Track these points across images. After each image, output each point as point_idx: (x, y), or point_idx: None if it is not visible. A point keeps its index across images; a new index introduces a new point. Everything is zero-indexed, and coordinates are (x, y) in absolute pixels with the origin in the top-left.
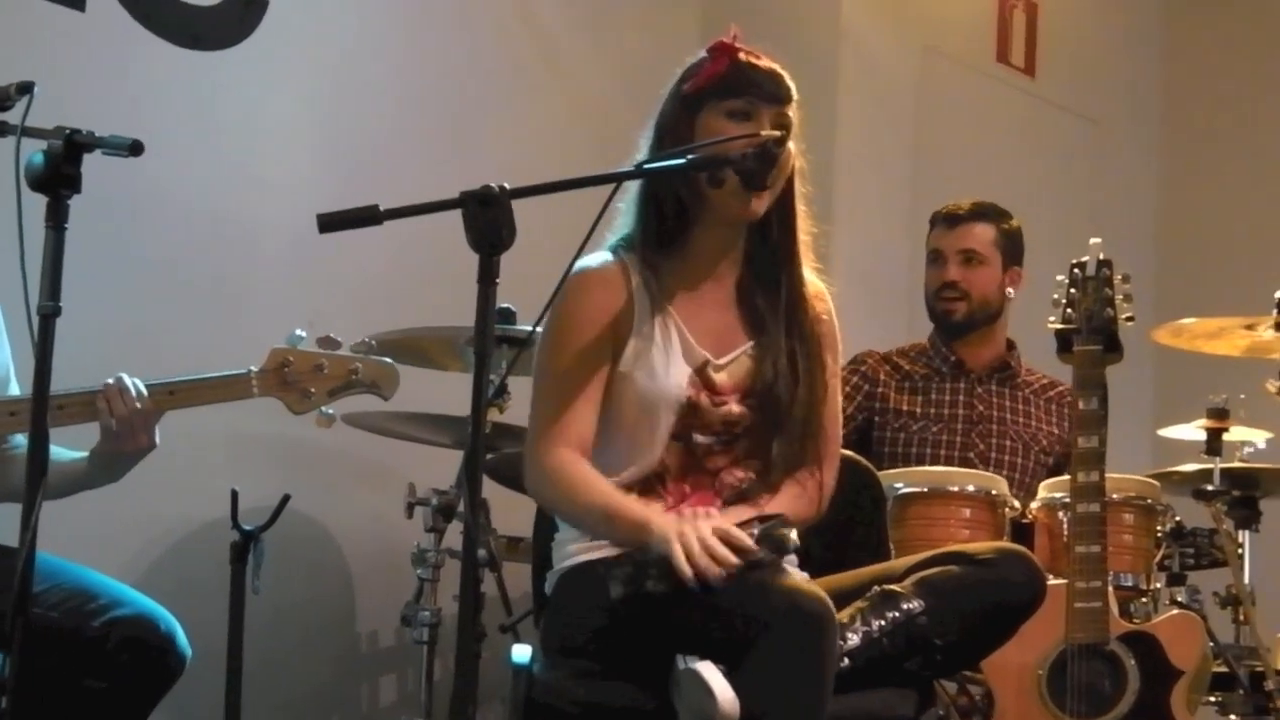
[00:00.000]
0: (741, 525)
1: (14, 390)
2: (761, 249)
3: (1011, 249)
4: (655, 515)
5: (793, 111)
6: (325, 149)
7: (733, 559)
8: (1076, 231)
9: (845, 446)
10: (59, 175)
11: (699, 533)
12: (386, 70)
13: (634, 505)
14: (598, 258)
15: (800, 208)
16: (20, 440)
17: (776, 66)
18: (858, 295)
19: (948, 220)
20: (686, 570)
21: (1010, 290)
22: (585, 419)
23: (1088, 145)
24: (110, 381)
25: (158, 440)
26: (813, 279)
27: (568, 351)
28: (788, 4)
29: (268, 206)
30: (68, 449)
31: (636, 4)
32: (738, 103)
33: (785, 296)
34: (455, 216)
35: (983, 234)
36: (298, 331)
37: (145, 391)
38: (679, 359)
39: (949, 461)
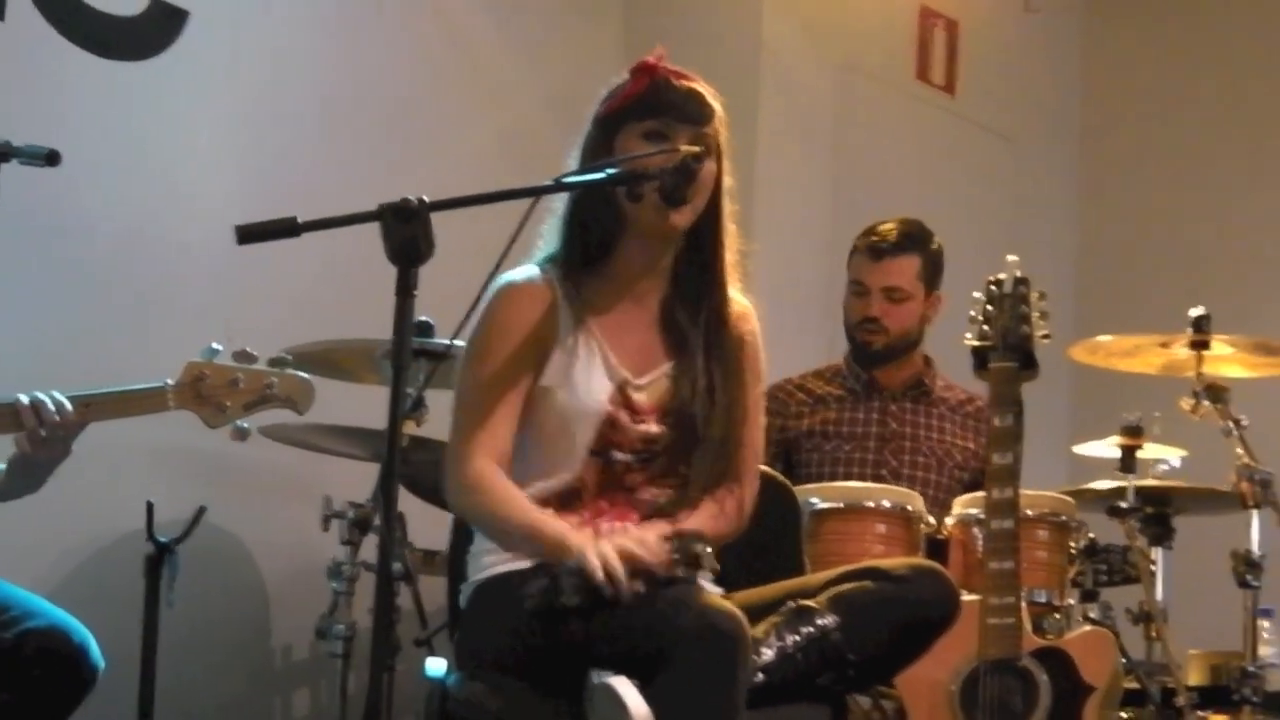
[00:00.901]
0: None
1: None
2: (689, 268)
3: (933, 276)
4: (574, 533)
5: (717, 130)
6: (247, 162)
7: (648, 566)
8: (996, 249)
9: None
10: None
11: (616, 544)
12: (310, 85)
13: (551, 523)
14: (524, 271)
15: (729, 226)
16: None
17: (697, 86)
18: (776, 312)
19: (872, 253)
20: (599, 575)
21: (930, 315)
22: (506, 432)
23: (1007, 164)
24: (24, 400)
25: (73, 448)
26: (740, 299)
27: (491, 363)
28: (708, 22)
29: (188, 219)
30: None
31: (560, 24)
32: (653, 123)
33: (707, 317)
34: (376, 230)
35: (908, 268)
36: (213, 345)
37: (68, 405)
38: (600, 376)
39: (862, 479)
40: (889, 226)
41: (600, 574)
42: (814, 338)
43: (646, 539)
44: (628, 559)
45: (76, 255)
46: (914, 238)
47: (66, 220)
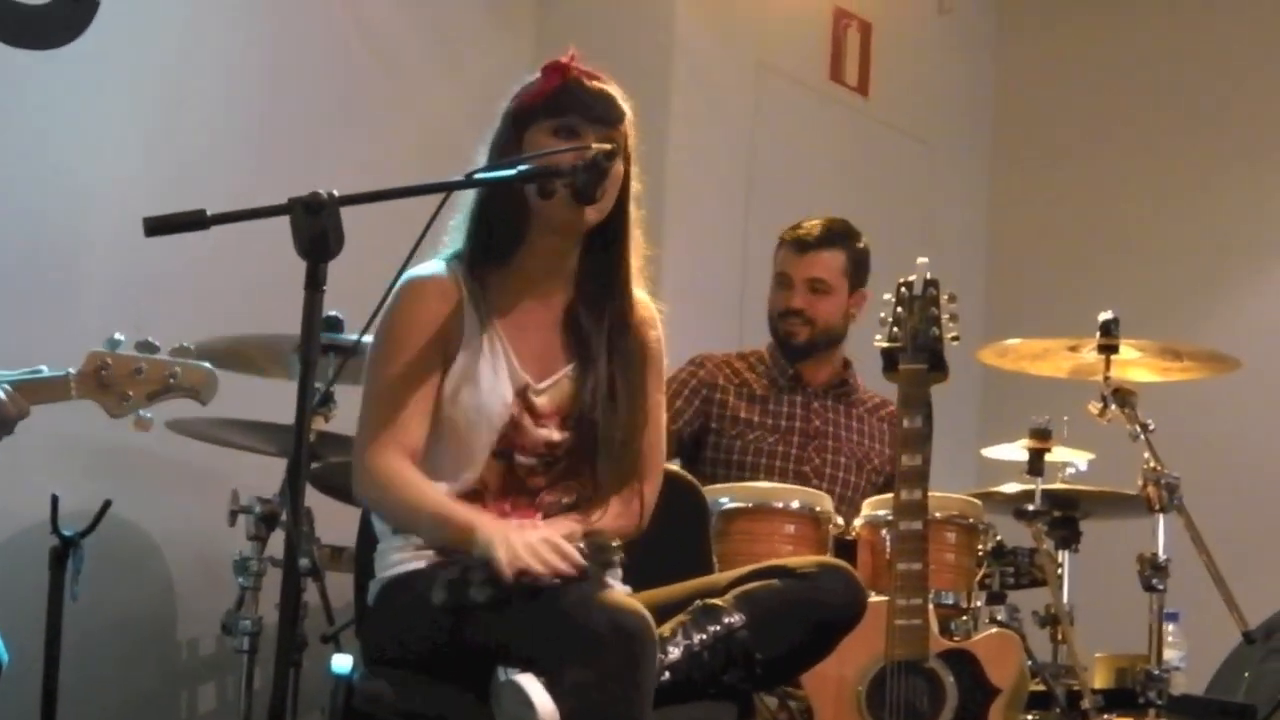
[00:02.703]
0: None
1: None
2: (593, 271)
3: (858, 273)
4: (482, 520)
5: (626, 133)
6: (154, 153)
7: (558, 563)
8: (908, 251)
9: (679, 450)
10: None
11: (525, 538)
12: (217, 77)
13: (461, 509)
14: (430, 267)
15: (635, 231)
16: None
17: (609, 88)
18: (687, 312)
19: (797, 246)
20: (507, 571)
21: (854, 312)
22: (415, 426)
23: (920, 166)
24: None
25: (36, 433)
26: (646, 302)
27: (399, 357)
28: (621, 20)
29: (95, 211)
30: None
31: (473, 21)
32: (565, 120)
33: (611, 321)
34: (285, 223)
35: (832, 262)
36: (116, 335)
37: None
38: (504, 377)
39: (783, 474)
40: (815, 222)
41: (508, 573)
42: (724, 336)
43: (559, 543)
44: (543, 547)
45: None
46: (840, 234)
47: None
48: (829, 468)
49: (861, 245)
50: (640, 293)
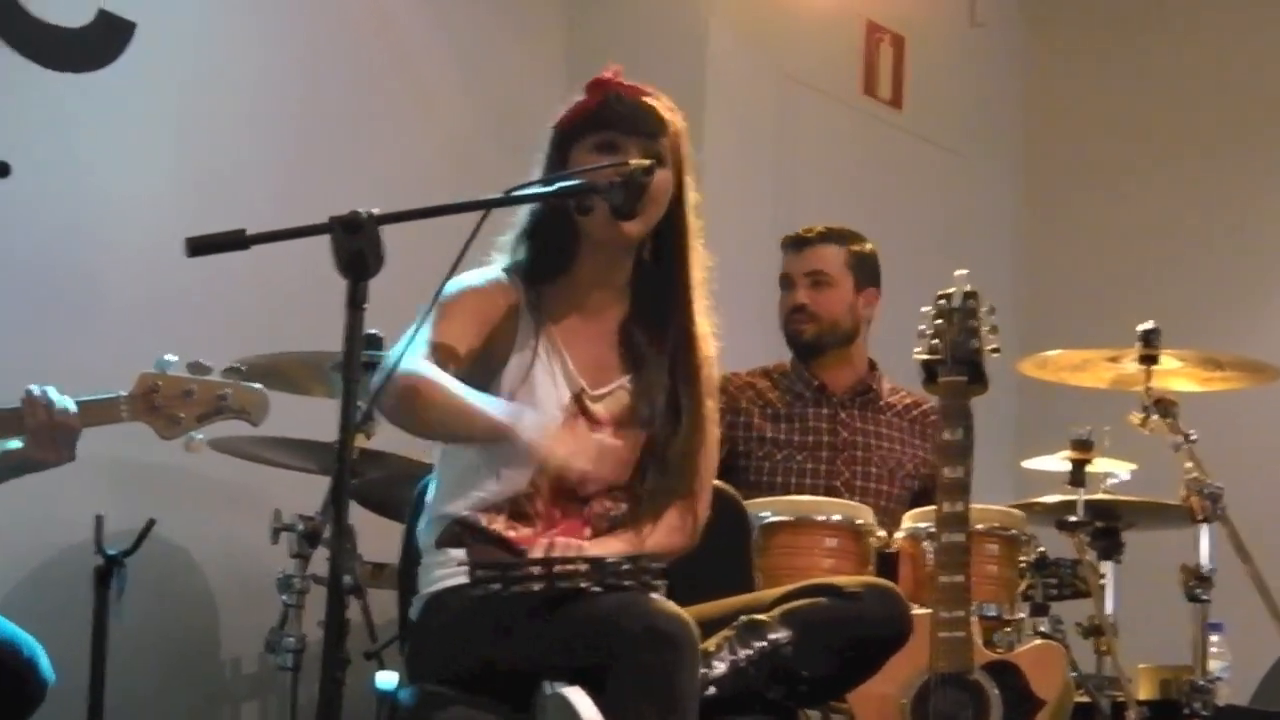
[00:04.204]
0: (615, 560)
1: None
2: (649, 284)
3: (864, 270)
4: (507, 414)
5: (674, 144)
6: (187, 172)
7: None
8: (940, 263)
9: None
10: None
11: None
12: (250, 97)
13: (492, 405)
14: (491, 271)
15: (694, 243)
16: None
17: (651, 101)
18: (720, 324)
19: (795, 244)
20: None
21: (866, 312)
22: (455, 355)
23: (952, 177)
24: (34, 391)
25: (78, 453)
26: (703, 320)
27: (461, 308)
28: (653, 36)
29: (131, 230)
30: None
31: (504, 37)
32: (607, 135)
33: (674, 335)
34: (321, 241)
35: (831, 256)
36: (167, 356)
37: (72, 406)
38: (560, 382)
39: (814, 490)
40: (814, 225)
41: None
42: (755, 350)
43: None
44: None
45: (20, 267)
46: (837, 232)
47: (13, 231)
48: (860, 479)
49: (865, 246)
50: (701, 307)
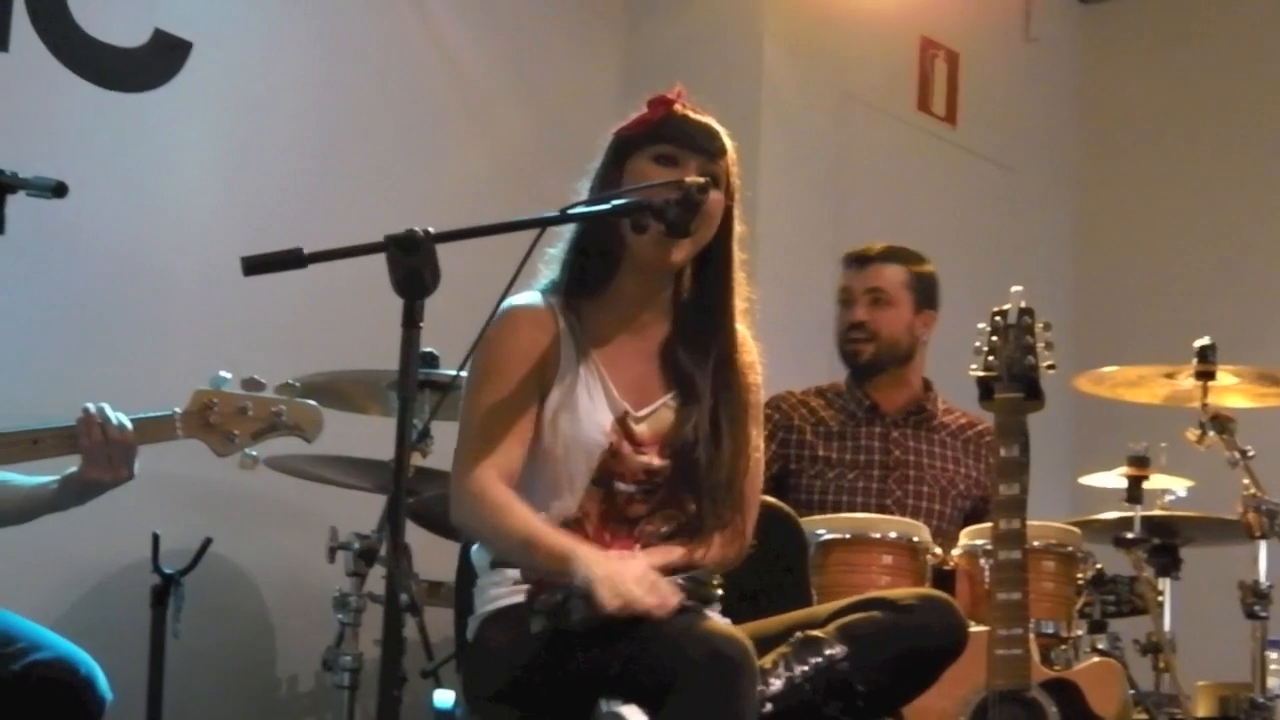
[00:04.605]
0: (669, 579)
1: None
2: (692, 307)
3: (923, 292)
4: (580, 549)
5: (728, 169)
6: (243, 191)
7: (653, 603)
8: (995, 279)
9: (763, 492)
10: None
11: (626, 574)
12: (304, 115)
13: (557, 535)
14: (527, 298)
15: (738, 274)
16: None
17: (712, 122)
18: (776, 345)
19: (856, 261)
20: (610, 605)
21: (923, 334)
22: (513, 451)
23: (1007, 193)
24: (90, 408)
25: (136, 471)
26: (748, 344)
27: (497, 384)
28: (709, 54)
29: (190, 249)
30: (25, 476)
31: (557, 53)
32: (664, 148)
33: (716, 358)
34: (376, 260)
35: (891, 275)
36: (222, 373)
37: (128, 423)
38: (602, 405)
39: (865, 509)
40: (876, 242)
41: (610, 606)
42: (815, 366)
43: (657, 581)
44: (644, 581)
45: (77, 285)
46: (899, 252)
47: (70, 250)
48: (912, 499)
49: (926, 268)
50: (743, 331)
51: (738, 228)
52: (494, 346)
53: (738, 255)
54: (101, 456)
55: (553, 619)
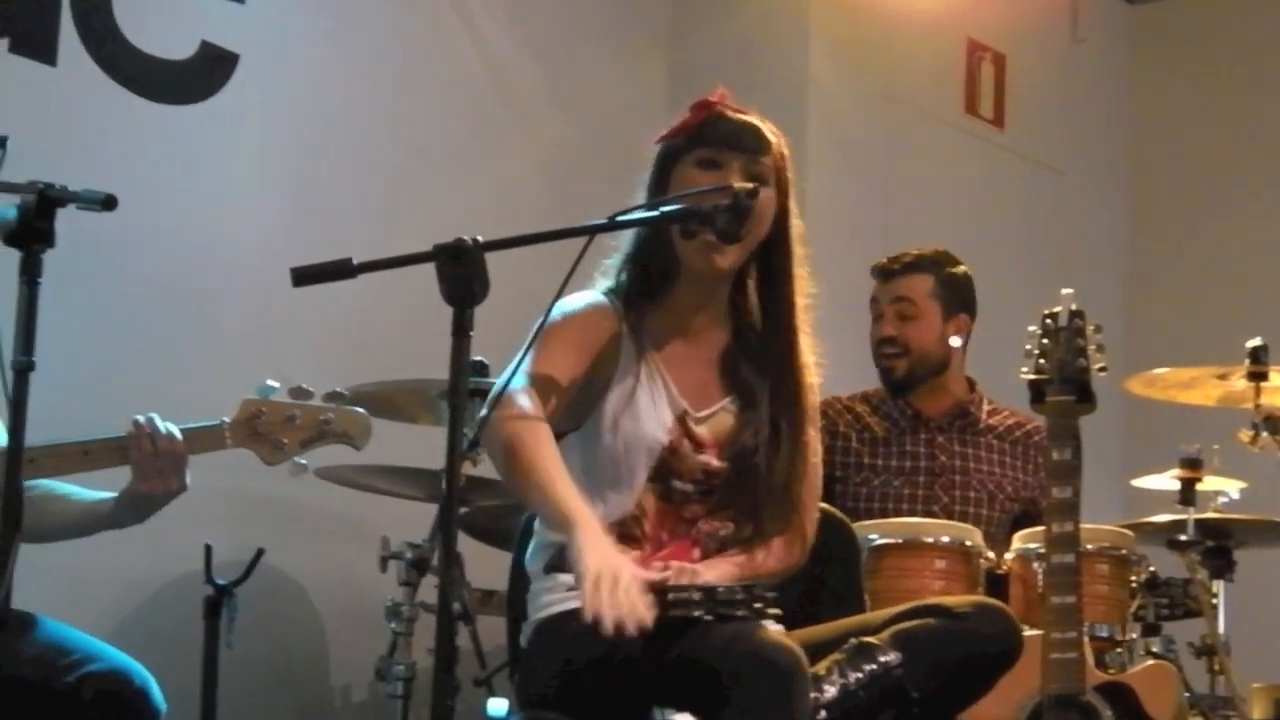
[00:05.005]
0: (727, 588)
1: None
2: (751, 310)
3: (953, 297)
4: (582, 523)
5: (777, 164)
6: (291, 201)
7: (628, 622)
8: (1044, 281)
9: None
10: (32, 230)
11: (618, 579)
12: (350, 125)
13: (573, 496)
14: (593, 295)
15: (798, 270)
16: (34, 483)
17: (754, 120)
18: (827, 347)
19: (882, 273)
20: (587, 613)
21: (955, 339)
22: (558, 397)
23: (1055, 196)
24: (140, 420)
25: (188, 483)
26: (807, 348)
27: (558, 341)
28: (755, 58)
29: (234, 259)
30: (89, 490)
31: (603, 59)
32: (706, 151)
33: (775, 361)
34: (425, 269)
35: (917, 285)
36: (269, 382)
37: (177, 433)
38: (663, 403)
39: (912, 515)
40: (904, 252)
41: (585, 614)
42: (864, 371)
43: (636, 602)
44: (633, 596)
45: (128, 297)
46: (928, 259)
47: (118, 262)
48: (958, 504)
49: (955, 271)
50: (803, 334)
51: (796, 224)
52: (564, 313)
53: (798, 251)
54: (151, 468)
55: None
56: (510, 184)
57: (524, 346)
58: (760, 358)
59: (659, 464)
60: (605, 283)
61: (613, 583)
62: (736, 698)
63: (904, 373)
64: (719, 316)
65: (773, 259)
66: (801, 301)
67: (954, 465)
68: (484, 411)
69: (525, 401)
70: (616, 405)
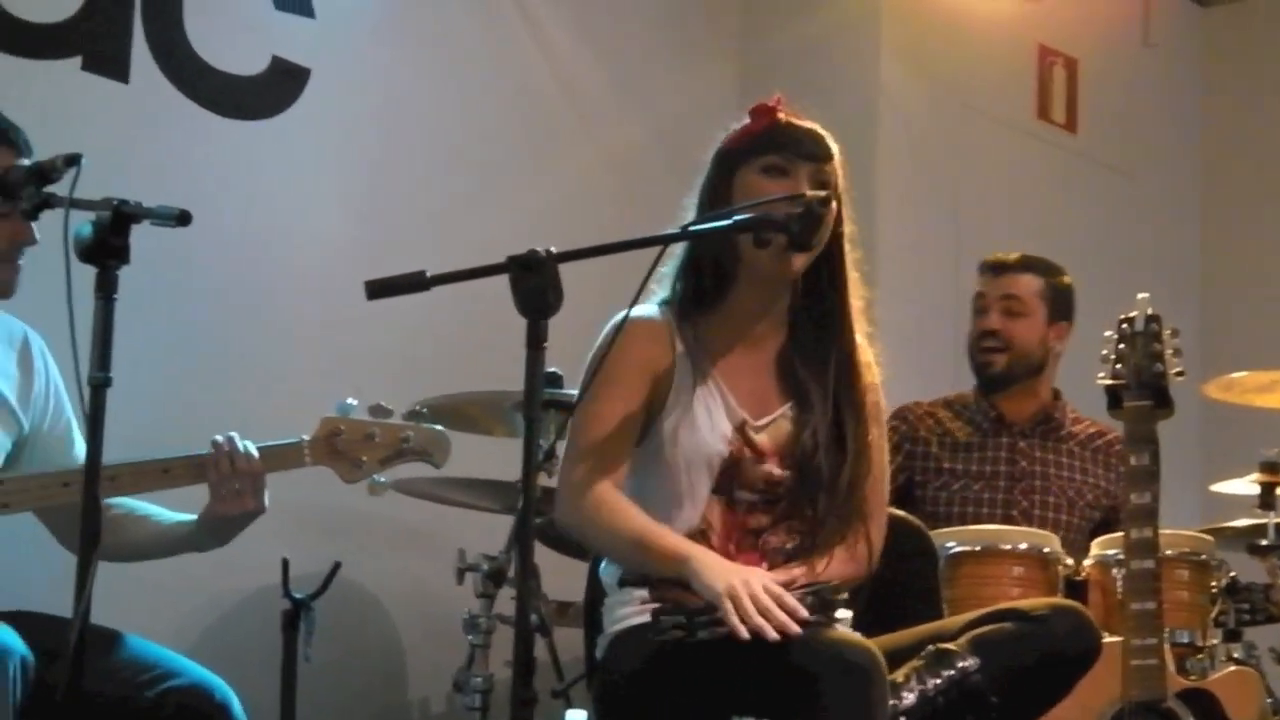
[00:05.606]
0: (797, 592)
1: (80, 451)
2: (807, 314)
3: (1058, 303)
4: (696, 551)
5: (835, 170)
6: (362, 214)
7: (787, 622)
8: (1118, 287)
9: (891, 502)
10: (107, 246)
11: (752, 589)
12: (420, 137)
13: (671, 536)
14: (645, 310)
15: (852, 274)
16: (117, 501)
17: (817, 126)
18: (902, 355)
19: (993, 268)
20: (740, 630)
21: (1056, 346)
22: (620, 458)
23: (1129, 200)
24: (219, 439)
25: (266, 504)
26: (864, 348)
27: (611, 392)
28: (826, 63)
29: (308, 274)
30: (173, 511)
31: (672, 66)
32: (774, 158)
33: (836, 365)
34: (498, 280)
35: (1027, 284)
36: (348, 400)
37: (255, 452)
38: (721, 415)
39: (992, 520)
40: (1011, 251)
41: (735, 618)
42: (939, 377)
43: (784, 596)
44: (770, 601)
45: (203, 313)
46: (1036, 262)
47: (192, 278)
48: (1038, 509)
49: (1063, 279)
50: (861, 336)
51: (847, 228)
52: (611, 356)
53: (850, 255)
54: (229, 488)
55: (680, 634)
56: (580, 192)
57: (581, 386)
58: (817, 361)
59: (721, 476)
60: (661, 293)
61: (750, 593)
62: (816, 702)
63: (1002, 368)
64: (778, 323)
65: (829, 262)
66: (857, 304)
67: (1035, 471)
68: (557, 512)
69: (588, 484)
70: (675, 420)
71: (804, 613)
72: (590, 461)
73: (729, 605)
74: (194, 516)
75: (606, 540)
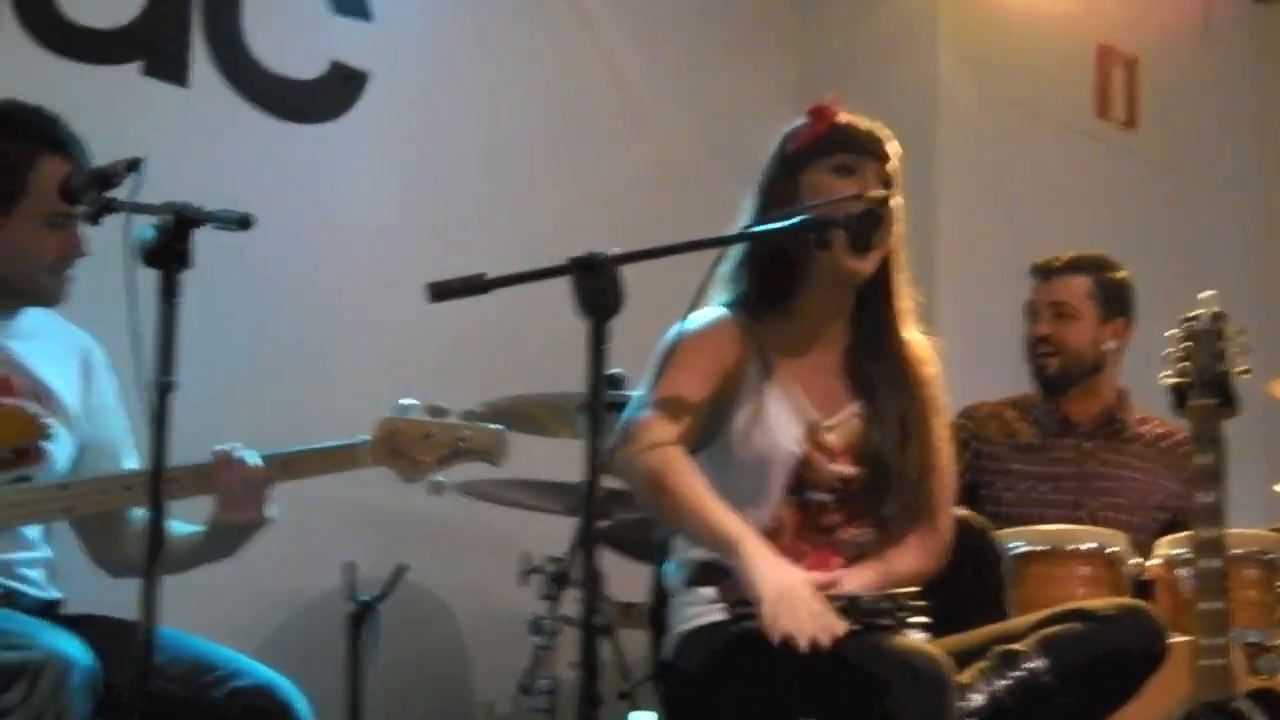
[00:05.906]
0: (871, 598)
1: (130, 463)
2: (867, 313)
3: (1112, 300)
4: (747, 543)
5: (896, 170)
6: (422, 217)
7: (820, 636)
8: (1180, 285)
9: (957, 501)
10: (170, 250)
11: (793, 597)
12: (479, 140)
13: (730, 517)
14: (715, 313)
15: (900, 275)
16: (139, 514)
17: (878, 126)
18: (963, 352)
19: (1040, 273)
20: (773, 637)
21: (1112, 343)
22: (689, 421)
23: (1190, 199)
24: (220, 449)
25: (271, 514)
26: (921, 342)
27: (687, 368)
28: (884, 64)
29: (367, 276)
30: (184, 522)
31: (727, 67)
32: (844, 158)
33: (894, 359)
34: (560, 281)
35: (1076, 287)
36: (406, 400)
37: (259, 460)
38: (792, 416)
39: (1059, 521)
40: (1063, 252)
41: (773, 638)
42: (1000, 376)
43: (823, 614)
44: (810, 616)
45: (264, 315)
46: (1088, 261)
47: (253, 281)
48: (1106, 510)
49: (1115, 275)
50: (914, 332)
51: (898, 229)
52: (690, 335)
53: (901, 256)
54: (232, 496)
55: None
56: (637, 192)
57: (650, 373)
58: (880, 358)
59: (793, 476)
60: (724, 295)
61: (794, 600)
62: (885, 708)
63: (1056, 371)
64: (843, 323)
65: (884, 265)
66: (906, 304)
67: (1101, 471)
68: (613, 445)
69: (656, 431)
70: (746, 420)
71: (842, 628)
72: (663, 417)
73: (769, 609)
74: (200, 528)
75: (666, 500)
